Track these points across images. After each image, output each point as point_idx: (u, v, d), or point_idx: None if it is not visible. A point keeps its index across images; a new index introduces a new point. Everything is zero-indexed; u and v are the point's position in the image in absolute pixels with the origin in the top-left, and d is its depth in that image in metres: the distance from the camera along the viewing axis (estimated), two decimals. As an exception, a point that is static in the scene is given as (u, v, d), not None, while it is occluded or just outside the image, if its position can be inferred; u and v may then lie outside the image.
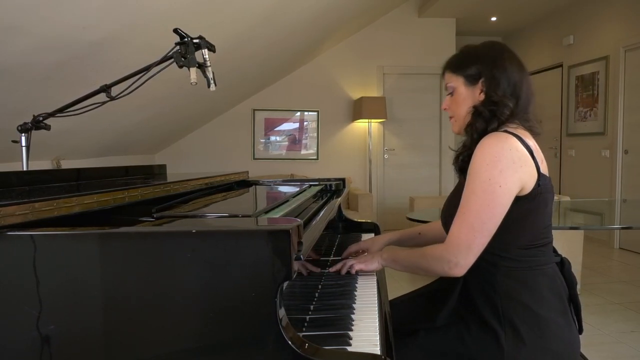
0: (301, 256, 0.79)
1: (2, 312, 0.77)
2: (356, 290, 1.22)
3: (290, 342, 0.75)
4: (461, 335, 1.16)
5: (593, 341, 2.59)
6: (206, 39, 1.44)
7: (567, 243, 3.15)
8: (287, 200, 1.33)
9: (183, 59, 1.40)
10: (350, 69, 5.94)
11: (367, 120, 5.71)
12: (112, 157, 4.18)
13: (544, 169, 1.15)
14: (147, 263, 0.77)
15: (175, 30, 1.41)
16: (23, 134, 1.49)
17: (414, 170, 6.13)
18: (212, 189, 1.59)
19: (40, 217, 0.81)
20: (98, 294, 0.77)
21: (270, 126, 5.88)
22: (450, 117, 1.29)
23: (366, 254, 1.43)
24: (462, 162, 1.23)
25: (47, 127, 1.51)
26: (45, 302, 0.77)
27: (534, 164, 1.12)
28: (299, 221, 0.82)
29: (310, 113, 5.91)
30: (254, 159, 5.84)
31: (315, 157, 5.94)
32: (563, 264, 1.22)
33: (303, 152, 5.96)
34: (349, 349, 0.86)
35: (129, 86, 1.44)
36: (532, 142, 1.15)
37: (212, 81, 1.48)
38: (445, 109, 1.30)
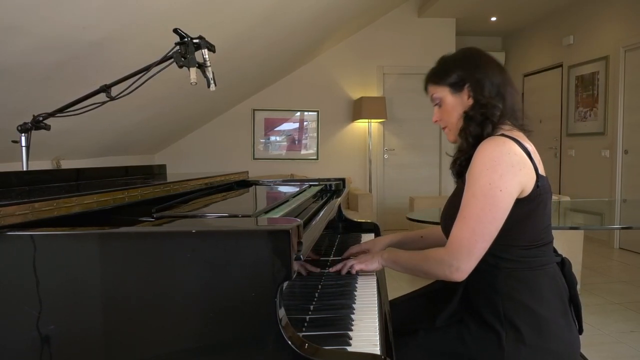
0: (301, 256, 0.79)
1: (2, 312, 0.77)
2: (356, 290, 1.22)
3: (290, 342, 0.75)
4: (461, 335, 1.16)
5: (593, 341, 2.58)
6: (206, 39, 1.44)
7: (567, 243, 3.15)
8: (287, 200, 1.33)
9: (183, 59, 1.40)
10: (350, 69, 5.94)
11: (367, 120, 5.71)
12: (112, 157, 4.18)
13: (542, 170, 1.16)
14: (147, 263, 0.77)
15: (175, 30, 1.41)
16: (23, 134, 1.49)
17: (414, 170, 6.13)
18: (212, 189, 1.59)
19: (40, 217, 0.81)
20: (98, 294, 0.77)
21: (270, 126, 5.88)
22: (444, 128, 1.30)
23: (366, 254, 1.43)
24: (460, 167, 1.24)
25: (47, 127, 1.51)
26: (45, 302, 0.77)
27: (532, 166, 1.12)
28: (299, 221, 0.82)
29: (310, 113, 5.91)
30: (254, 159, 5.84)
31: (315, 157, 5.94)
32: (564, 264, 1.22)
33: (303, 152, 5.96)
34: (349, 349, 0.86)
35: (129, 86, 1.44)
36: (529, 145, 1.16)
37: (212, 81, 1.48)
38: (436, 122, 1.31)
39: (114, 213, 1.01)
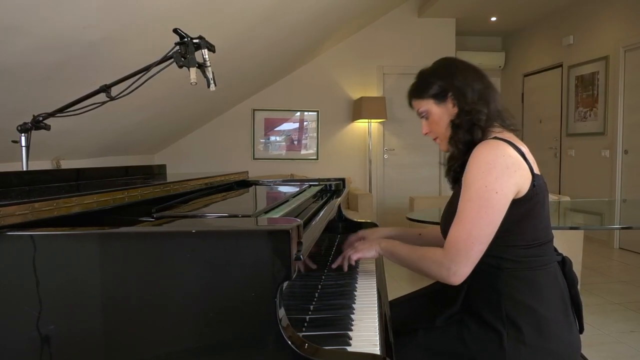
0: (301, 256, 0.79)
1: (2, 312, 0.77)
2: (356, 291, 1.23)
3: (290, 342, 0.75)
4: (462, 335, 1.16)
5: (593, 341, 2.59)
6: (206, 39, 1.44)
7: (567, 243, 3.15)
8: (287, 201, 1.33)
9: (183, 59, 1.40)
10: (350, 69, 5.94)
11: (367, 120, 5.71)
12: (112, 157, 4.18)
13: (537, 169, 1.17)
14: (147, 263, 0.77)
15: (175, 30, 1.41)
16: (23, 134, 1.49)
17: (413, 170, 6.13)
18: (212, 189, 1.59)
19: (40, 217, 0.81)
20: (98, 294, 0.77)
21: (270, 126, 5.88)
22: (435, 139, 1.31)
23: (360, 242, 1.43)
24: (455, 173, 1.25)
25: (47, 127, 1.51)
26: (45, 302, 0.77)
27: (527, 167, 1.13)
28: (299, 221, 0.82)
29: (310, 113, 5.91)
30: (254, 159, 5.84)
31: (315, 157, 5.94)
32: (564, 263, 1.23)
33: (303, 152, 5.96)
34: (349, 349, 0.86)
35: (129, 86, 1.44)
36: (522, 146, 1.17)
37: (212, 81, 1.48)
38: (426, 134, 1.32)
39: (114, 213, 1.01)
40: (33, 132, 1.51)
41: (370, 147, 5.86)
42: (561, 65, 5.82)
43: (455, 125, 1.22)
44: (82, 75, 2.39)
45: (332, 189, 1.95)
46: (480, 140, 1.17)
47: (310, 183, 1.93)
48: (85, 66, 2.35)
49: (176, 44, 1.41)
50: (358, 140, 6.01)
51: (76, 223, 0.85)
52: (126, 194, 1.05)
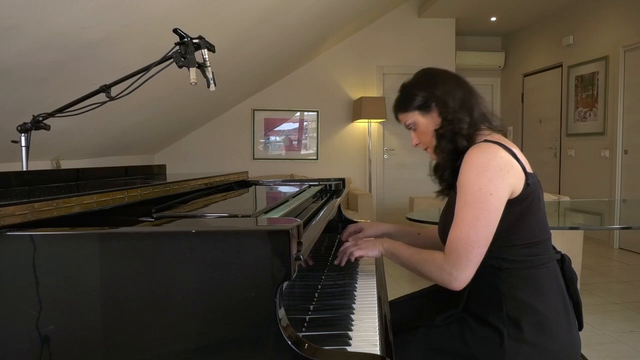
0: (301, 256, 0.79)
1: (2, 312, 0.77)
2: (356, 290, 1.23)
3: (289, 342, 0.75)
4: (462, 333, 1.16)
5: (592, 341, 2.59)
6: (206, 39, 1.43)
7: (567, 243, 3.15)
8: (287, 201, 1.33)
9: (183, 59, 1.40)
10: (349, 69, 5.94)
11: (366, 120, 5.71)
12: (111, 157, 4.18)
13: (529, 168, 1.18)
14: (146, 263, 0.77)
15: (175, 31, 1.41)
16: (23, 134, 1.49)
17: (413, 171, 6.12)
18: (211, 189, 1.59)
19: (40, 217, 0.81)
20: (98, 294, 0.77)
21: (270, 126, 5.88)
22: (425, 149, 1.33)
23: (365, 239, 1.44)
24: (447, 180, 1.28)
25: (47, 127, 1.51)
26: (45, 302, 0.77)
27: (519, 167, 1.14)
28: (299, 221, 0.82)
29: (310, 113, 5.91)
30: (254, 159, 5.84)
31: (315, 157, 5.95)
32: (563, 261, 1.24)
33: (303, 152, 5.96)
34: (349, 349, 0.86)
35: (129, 86, 1.44)
36: (512, 146, 1.18)
37: (211, 81, 1.48)
38: (416, 145, 1.34)
39: (114, 213, 1.01)
40: (33, 132, 1.51)
41: (370, 147, 5.86)
42: (561, 65, 5.83)
43: (438, 134, 1.25)
44: (82, 75, 2.39)
45: (332, 189, 1.95)
46: (465, 148, 1.19)
47: (310, 183, 1.93)
48: (85, 66, 2.35)
49: (176, 44, 1.41)
50: (358, 140, 6.01)
51: (76, 223, 0.85)
52: (126, 194, 1.05)
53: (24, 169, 1.49)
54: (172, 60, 1.41)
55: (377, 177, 6.03)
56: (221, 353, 0.76)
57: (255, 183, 1.99)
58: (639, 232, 4.43)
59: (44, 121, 1.50)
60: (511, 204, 1.13)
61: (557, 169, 5.91)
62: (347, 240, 1.45)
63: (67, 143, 3.18)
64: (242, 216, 1.03)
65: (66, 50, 2.11)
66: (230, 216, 1.05)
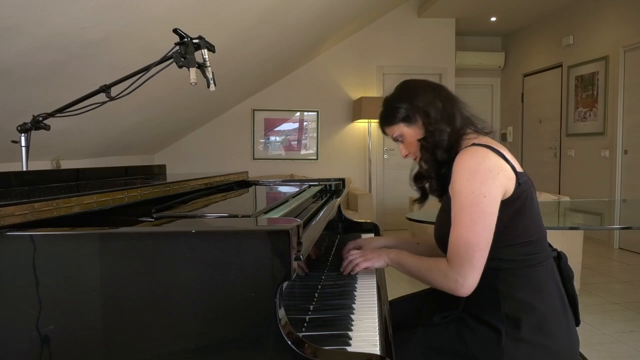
0: (301, 256, 0.79)
1: (2, 312, 0.77)
2: (356, 291, 1.23)
3: (289, 342, 0.75)
4: (461, 332, 1.17)
5: (592, 341, 2.59)
6: (206, 39, 1.43)
7: (567, 243, 3.15)
8: (287, 201, 1.33)
9: (183, 59, 1.40)
10: (349, 69, 5.94)
11: (366, 120, 5.71)
12: (111, 157, 4.18)
13: (519, 167, 1.19)
14: (146, 263, 0.77)
15: (175, 31, 1.41)
16: (23, 134, 1.49)
17: (413, 171, 6.12)
18: (211, 189, 1.59)
19: (40, 217, 0.81)
20: (98, 295, 0.77)
21: (270, 126, 5.89)
22: (415, 159, 1.35)
23: (370, 249, 1.44)
24: (437, 188, 1.30)
25: (47, 127, 1.51)
26: (45, 302, 0.77)
27: (509, 167, 1.15)
28: (299, 221, 0.82)
29: (309, 113, 5.91)
30: (254, 159, 5.84)
31: (315, 158, 5.95)
32: (560, 258, 1.25)
33: (303, 152, 5.96)
34: (349, 349, 0.86)
35: (129, 86, 1.44)
36: (500, 147, 1.19)
37: (211, 81, 1.48)
38: (406, 156, 1.36)
39: (114, 213, 1.01)
40: (33, 132, 1.51)
41: (370, 147, 5.86)
42: (561, 66, 5.83)
43: (421, 145, 1.27)
44: (82, 75, 2.39)
45: (331, 189, 1.95)
46: (446, 159, 1.22)
47: (310, 183, 1.93)
48: (85, 66, 2.35)
49: (176, 44, 1.41)
50: (358, 140, 6.02)
51: (76, 223, 0.85)
52: (126, 194, 1.05)
53: (24, 169, 1.49)
54: (172, 60, 1.41)
55: (377, 177, 6.03)
56: (221, 353, 0.76)
57: (255, 183, 1.99)
58: (639, 232, 4.43)
59: (44, 121, 1.50)
60: (504, 204, 1.13)
61: (557, 169, 5.91)
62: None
63: (67, 143, 3.18)
64: (242, 216, 1.03)
65: (66, 50, 2.11)
66: (230, 216, 1.05)
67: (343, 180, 2.06)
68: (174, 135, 5.34)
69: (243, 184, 1.93)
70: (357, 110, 5.67)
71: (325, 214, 1.27)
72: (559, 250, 1.27)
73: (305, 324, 0.98)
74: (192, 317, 0.77)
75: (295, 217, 1.04)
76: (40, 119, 1.49)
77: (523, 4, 5.62)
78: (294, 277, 0.77)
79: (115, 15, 2.06)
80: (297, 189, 1.66)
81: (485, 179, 1.11)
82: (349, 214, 2.10)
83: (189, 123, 5.24)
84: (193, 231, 0.78)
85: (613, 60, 4.95)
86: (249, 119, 5.81)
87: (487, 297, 1.16)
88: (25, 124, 1.49)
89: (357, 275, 1.35)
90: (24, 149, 1.50)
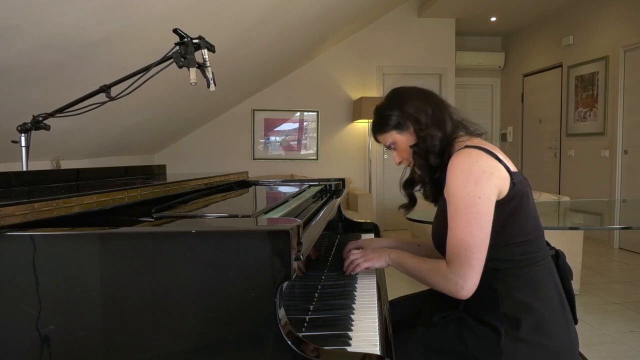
0: (301, 256, 0.79)
1: (2, 312, 0.77)
2: (356, 291, 1.23)
3: (289, 342, 0.75)
4: (460, 332, 1.17)
5: (592, 341, 2.59)
6: (206, 39, 1.43)
7: (566, 243, 3.15)
8: (287, 201, 1.33)
9: (183, 59, 1.40)
10: (349, 69, 5.94)
11: (366, 120, 5.71)
12: (111, 157, 4.18)
13: (513, 167, 1.19)
14: (146, 263, 0.77)
15: (175, 31, 1.41)
16: (23, 134, 1.49)
17: (413, 171, 6.12)
18: (211, 190, 1.59)
19: (39, 217, 0.81)
20: (98, 295, 0.77)
21: (270, 126, 5.89)
22: (409, 165, 1.38)
23: (371, 250, 1.44)
24: (431, 193, 1.32)
25: (47, 128, 1.51)
26: (45, 302, 0.77)
27: (503, 167, 1.15)
28: (299, 221, 0.82)
29: (309, 113, 5.91)
30: (254, 159, 5.84)
31: (315, 158, 5.95)
32: (558, 256, 1.25)
33: (303, 152, 5.96)
34: (349, 349, 0.86)
35: (129, 86, 1.44)
36: (493, 149, 1.19)
37: (211, 81, 1.48)
38: (400, 163, 1.39)
39: (114, 213, 1.01)
40: (33, 132, 1.51)
41: (370, 147, 5.86)
42: (561, 66, 5.83)
43: (414, 152, 1.29)
44: (82, 75, 2.39)
45: (331, 189, 1.95)
46: (440, 163, 1.23)
47: (310, 183, 1.93)
48: (85, 66, 2.35)
49: (176, 44, 1.41)
50: (358, 140, 6.02)
51: (76, 223, 0.85)
52: (126, 194, 1.05)
53: (24, 169, 1.49)
54: (172, 60, 1.41)
55: (377, 177, 6.03)
56: (221, 353, 0.76)
57: (255, 183, 1.99)
58: (639, 232, 4.43)
59: (44, 121, 1.50)
60: (500, 204, 1.14)
61: (557, 169, 5.91)
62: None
63: (67, 143, 3.18)
64: (242, 216, 1.03)
65: (66, 50, 2.11)
66: (230, 216, 1.05)
67: (343, 180, 2.06)
68: (174, 135, 5.34)
69: (243, 184, 1.93)
70: (357, 110, 5.67)
71: (325, 214, 1.27)
72: (557, 248, 1.27)
73: (305, 324, 0.98)
74: (192, 317, 0.77)
75: (295, 217, 1.04)
76: (40, 119, 1.49)
77: (523, 4, 5.62)
78: (294, 277, 0.77)
79: (115, 15, 2.06)
80: (297, 189, 1.66)
81: (480, 180, 1.11)
82: (349, 214, 2.10)
83: (189, 123, 5.24)
84: (193, 231, 0.78)
85: (613, 60, 4.95)
86: (249, 119, 5.81)
87: (486, 297, 1.16)
88: (25, 124, 1.49)
89: (357, 275, 1.35)
90: (24, 149, 1.50)
